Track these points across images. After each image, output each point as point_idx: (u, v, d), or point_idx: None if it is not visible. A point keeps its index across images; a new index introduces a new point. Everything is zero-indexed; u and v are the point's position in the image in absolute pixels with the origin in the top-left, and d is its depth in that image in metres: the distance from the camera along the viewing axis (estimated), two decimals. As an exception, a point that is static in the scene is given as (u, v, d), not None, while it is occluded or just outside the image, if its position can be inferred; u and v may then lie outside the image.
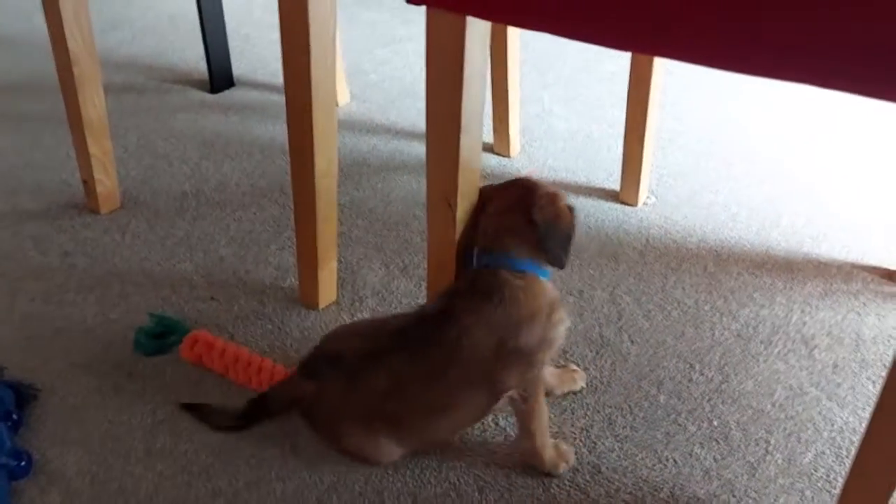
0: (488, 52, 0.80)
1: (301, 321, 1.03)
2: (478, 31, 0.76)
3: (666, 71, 1.27)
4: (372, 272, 1.13)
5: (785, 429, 0.89)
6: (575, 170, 1.39)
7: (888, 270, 1.15)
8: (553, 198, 0.83)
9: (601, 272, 1.14)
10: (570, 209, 0.84)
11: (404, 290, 1.09)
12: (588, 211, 1.28)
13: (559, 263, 0.82)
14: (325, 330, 1.02)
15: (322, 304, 1.06)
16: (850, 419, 0.90)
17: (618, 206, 1.29)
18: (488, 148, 1.44)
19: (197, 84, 1.67)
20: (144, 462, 0.85)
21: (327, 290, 1.06)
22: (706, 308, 1.07)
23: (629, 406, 0.92)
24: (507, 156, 1.43)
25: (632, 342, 1.01)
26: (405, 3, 0.76)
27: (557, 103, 1.62)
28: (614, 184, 1.34)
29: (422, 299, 1.07)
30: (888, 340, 1.02)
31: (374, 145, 1.46)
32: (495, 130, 1.44)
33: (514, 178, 0.87)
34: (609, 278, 1.13)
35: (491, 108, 1.42)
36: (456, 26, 0.75)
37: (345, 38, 1.90)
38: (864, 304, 1.08)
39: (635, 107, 1.27)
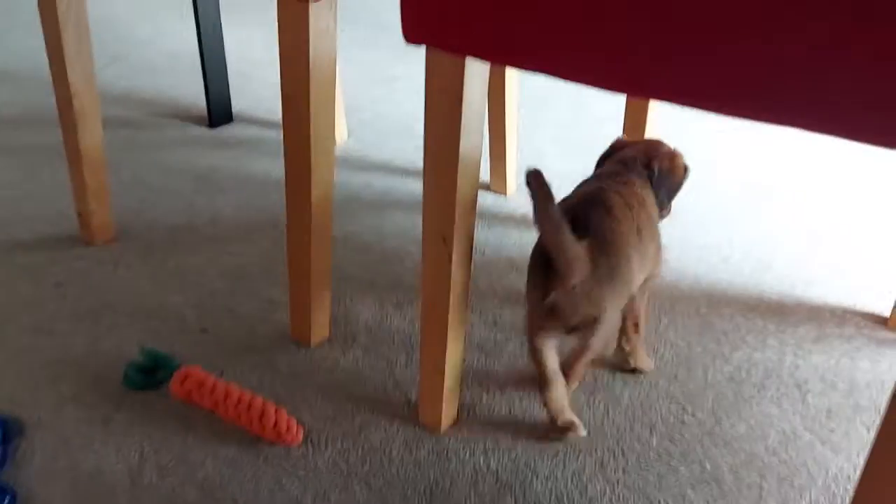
0: (486, 93, 0.81)
1: (291, 357, 1.03)
2: (477, 71, 0.77)
3: (660, 112, 1.29)
4: (365, 308, 1.13)
5: (778, 474, 0.88)
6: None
7: (880, 316, 1.15)
8: (673, 155, 1.00)
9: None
10: (686, 169, 1.02)
11: (397, 326, 1.09)
12: (582, 251, 1.28)
13: (660, 206, 0.99)
14: (315, 367, 1.01)
15: (314, 340, 1.05)
16: (845, 465, 0.90)
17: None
18: (485, 186, 1.45)
19: (195, 119, 1.68)
20: (129, 495, 0.83)
21: (319, 327, 1.05)
22: (698, 350, 1.07)
23: (621, 449, 0.91)
24: (504, 194, 1.44)
25: (624, 384, 1.01)
26: (401, 43, 0.77)
27: (552, 143, 1.64)
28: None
29: (415, 337, 1.07)
30: (881, 386, 1.02)
31: (368, 182, 1.47)
32: (492, 169, 1.45)
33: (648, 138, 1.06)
34: (602, 319, 1.13)
35: (488, 148, 1.43)
36: (455, 67, 0.76)
37: (342, 76, 1.92)
38: (858, 348, 1.08)
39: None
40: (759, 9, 0.57)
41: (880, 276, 1.25)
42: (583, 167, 1.54)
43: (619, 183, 0.95)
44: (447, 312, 0.86)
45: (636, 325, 1.01)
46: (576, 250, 0.82)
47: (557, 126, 1.71)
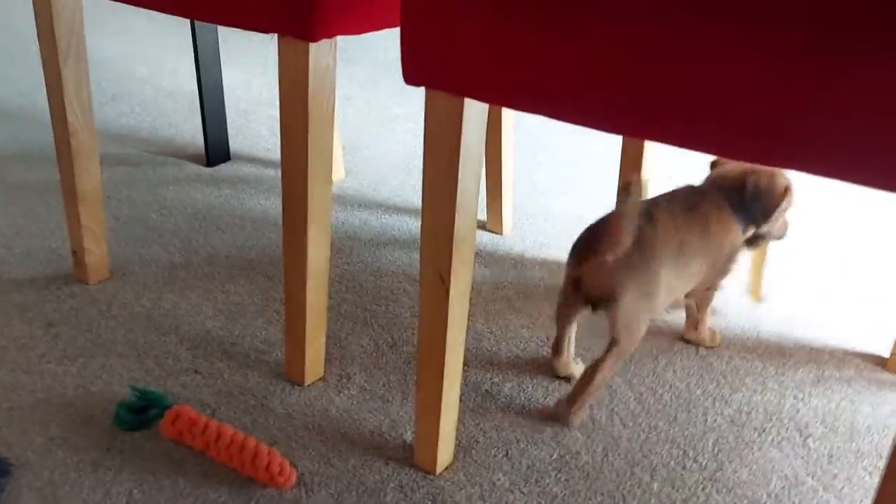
0: (484, 133, 0.81)
1: (285, 397, 1.01)
2: (475, 112, 0.77)
3: (657, 152, 1.29)
4: (360, 348, 1.12)
5: (781, 520, 0.87)
6: (567, 248, 1.40)
7: (880, 357, 1.15)
8: (773, 174, 1.04)
9: (593, 352, 1.12)
10: (787, 189, 1.05)
11: (392, 366, 1.08)
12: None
13: (754, 221, 1.05)
14: (310, 407, 1.00)
15: (308, 379, 1.04)
16: (848, 511, 0.88)
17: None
18: (481, 225, 1.45)
19: (193, 157, 1.69)
20: (117, 544, 0.81)
21: (314, 366, 1.04)
22: (698, 392, 1.06)
23: (622, 494, 0.89)
24: (500, 233, 1.44)
25: (624, 426, 0.99)
26: (400, 84, 0.77)
27: (549, 182, 1.64)
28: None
29: (411, 376, 1.06)
30: (883, 430, 1.01)
31: (366, 220, 1.47)
32: (488, 208, 1.45)
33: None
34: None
35: (485, 187, 1.43)
36: (454, 107, 0.77)
37: (341, 116, 1.94)
38: (858, 391, 1.07)
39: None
40: (756, 54, 0.57)
41: (879, 317, 1.25)
42: (579, 206, 1.55)
43: (688, 203, 1.03)
44: (444, 352, 0.85)
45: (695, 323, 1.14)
46: (624, 230, 0.92)
47: (554, 166, 1.72)
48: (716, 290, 1.10)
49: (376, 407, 1.01)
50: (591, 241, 0.95)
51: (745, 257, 1.13)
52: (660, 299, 0.97)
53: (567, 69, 0.67)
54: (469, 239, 0.83)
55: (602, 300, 0.95)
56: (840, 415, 1.03)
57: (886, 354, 1.14)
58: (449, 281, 0.83)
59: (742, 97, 0.59)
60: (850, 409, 1.04)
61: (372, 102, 2.02)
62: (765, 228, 1.07)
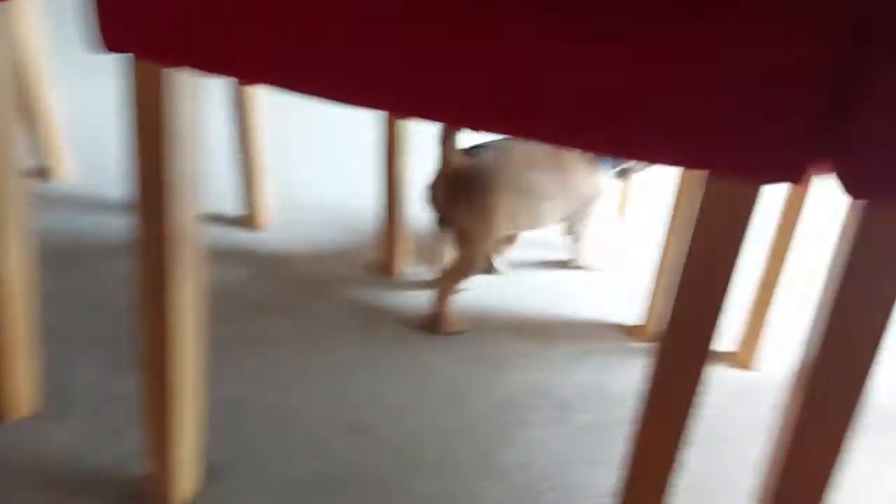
0: (195, 109, 0.70)
1: (-12, 440, 0.83)
2: (183, 83, 0.66)
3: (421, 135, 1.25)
4: (86, 371, 0.95)
5: (553, 500, 0.84)
6: (331, 241, 1.32)
7: (636, 327, 1.18)
8: None
9: (362, 348, 1.05)
10: None
11: (122, 390, 0.93)
12: (348, 284, 1.20)
13: (614, 162, 1.23)
14: (18, 445, 0.82)
15: (16, 414, 0.86)
16: (612, 480, 0.88)
17: (376, 279, 1.23)
18: (240, 221, 1.33)
19: None
20: None
21: (23, 398, 0.87)
22: (467, 378, 1.02)
23: (387, 499, 0.82)
24: (260, 229, 1.33)
25: (392, 425, 0.93)
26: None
27: (310, 173, 1.55)
28: (371, 254, 1.28)
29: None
30: (636, 395, 1.02)
31: (97, 224, 1.29)
32: (247, 203, 1.33)
33: None
34: (369, 355, 1.04)
35: (239, 180, 1.31)
36: (157, 78, 0.65)
37: (72, 111, 1.71)
38: (617, 361, 1.09)
39: (392, 175, 1.23)
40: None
41: (635, 288, 1.29)
42: (341, 194, 1.48)
43: (553, 149, 1.13)
44: (169, 367, 0.73)
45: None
46: (452, 157, 1.06)
47: (314, 156, 1.63)
48: (583, 223, 1.25)
49: (105, 439, 0.86)
50: (432, 179, 1.10)
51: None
52: (497, 223, 1.09)
53: (287, 33, 0.59)
54: (191, 233, 0.72)
55: (444, 221, 1.10)
56: (600, 386, 1.04)
57: (642, 323, 1.18)
58: (170, 284, 0.71)
59: (487, 73, 0.54)
60: (609, 379, 1.05)
61: (109, 97, 1.81)
62: (624, 165, 1.26)
